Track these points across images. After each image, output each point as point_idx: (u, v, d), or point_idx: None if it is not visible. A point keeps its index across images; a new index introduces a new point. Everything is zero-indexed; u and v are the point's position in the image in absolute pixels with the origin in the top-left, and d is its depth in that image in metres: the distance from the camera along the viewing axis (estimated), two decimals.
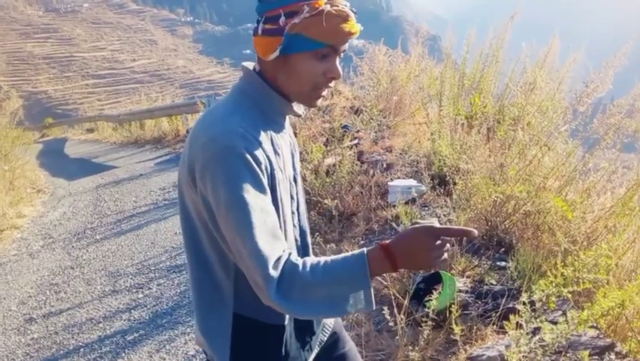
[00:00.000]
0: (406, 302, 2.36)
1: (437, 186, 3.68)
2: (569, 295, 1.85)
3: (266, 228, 1.07)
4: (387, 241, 1.08)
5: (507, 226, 2.97)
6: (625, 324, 2.15)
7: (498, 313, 2.27)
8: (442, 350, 2.31)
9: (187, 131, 10.05)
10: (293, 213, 1.28)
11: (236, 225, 1.06)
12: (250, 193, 1.06)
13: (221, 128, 1.11)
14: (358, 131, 5.51)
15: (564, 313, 2.05)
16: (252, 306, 1.19)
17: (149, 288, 3.97)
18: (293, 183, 1.29)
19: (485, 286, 2.54)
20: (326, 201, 3.89)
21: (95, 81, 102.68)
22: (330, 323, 1.45)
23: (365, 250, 1.08)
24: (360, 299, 1.07)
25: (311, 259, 1.08)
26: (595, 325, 2.06)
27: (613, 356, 1.92)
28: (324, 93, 1.22)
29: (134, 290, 3.97)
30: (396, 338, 2.34)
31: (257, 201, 1.07)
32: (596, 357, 1.94)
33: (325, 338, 1.44)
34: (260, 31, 1.16)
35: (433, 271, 2.56)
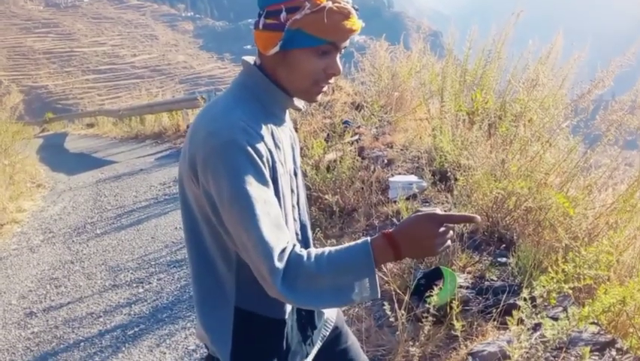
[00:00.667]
0: (406, 298, 2.36)
1: (438, 182, 3.68)
2: (570, 292, 1.85)
3: (270, 219, 1.07)
4: (391, 230, 1.09)
5: (508, 222, 2.97)
6: (626, 320, 2.15)
7: (499, 309, 2.27)
8: (443, 346, 2.31)
9: (187, 127, 10.02)
10: (293, 206, 1.28)
11: (240, 218, 1.06)
12: (253, 186, 1.06)
13: (222, 122, 1.11)
14: (359, 126, 5.50)
15: (565, 310, 2.06)
16: (254, 300, 1.19)
17: (150, 283, 3.97)
18: (293, 176, 1.29)
19: (486, 282, 2.54)
20: (327, 196, 3.89)
21: (96, 76, 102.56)
22: (332, 317, 1.45)
23: (368, 238, 1.09)
24: (365, 287, 1.07)
25: (315, 250, 1.09)
26: (596, 321, 2.06)
27: (614, 353, 1.92)
28: (325, 89, 1.22)
29: (135, 285, 3.98)
30: (397, 333, 2.34)
31: (260, 193, 1.07)
32: (597, 353, 1.94)
33: (327, 333, 1.43)
34: (261, 26, 1.15)
35: (433, 267, 2.57)
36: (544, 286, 1.79)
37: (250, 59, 1.24)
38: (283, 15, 1.11)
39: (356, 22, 1.14)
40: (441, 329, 2.31)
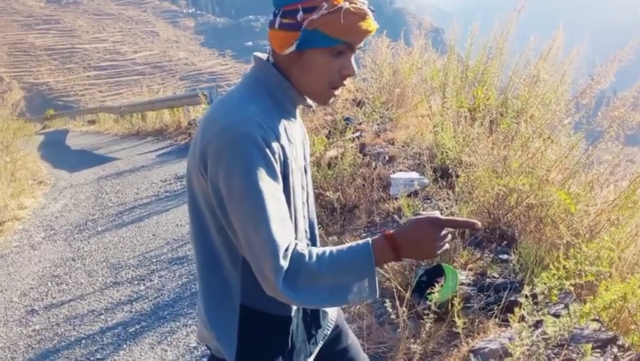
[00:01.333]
0: (408, 295, 2.36)
1: (439, 179, 3.68)
2: (572, 288, 1.85)
3: (279, 217, 1.07)
4: (392, 231, 1.09)
5: (509, 218, 2.96)
6: (627, 317, 2.15)
7: (500, 306, 2.27)
8: (444, 343, 2.31)
9: (189, 123, 10.03)
10: (303, 203, 1.28)
11: (250, 213, 1.05)
12: (265, 182, 1.06)
13: (238, 116, 1.10)
14: (360, 123, 5.50)
15: (566, 306, 2.05)
16: (259, 297, 1.18)
17: (151, 280, 3.97)
18: (304, 173, 1.28)
19: (487, 279, 2.54)
20: (328, 193, 3.89)
21: (97, 73, 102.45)
22: (333, 316, 1.45)
23: (370, 239, 1.09)
24: (364, 288, 1.08)
25: (317, 249, 1.09)
26: (597, 318, 2.05)
27: (615, 349, 1.92)
28: (337, 92, 1.22)
29: (136, 282, 3.98)
30: (398, 330, 2.34)
31: (271, 190, 1.07)
32: (599, 350, 1.94)
33: (329, 333, 1.43)
34: (277, 25, 1.15)
35: (435, 264, 2.56)
36: (545, 283, 1.79)
37: (262, 55, 1.23)
38: (300, 15, 1.11)
39: (372, 24, 1.15)
40: (442, 326, 2.31)
